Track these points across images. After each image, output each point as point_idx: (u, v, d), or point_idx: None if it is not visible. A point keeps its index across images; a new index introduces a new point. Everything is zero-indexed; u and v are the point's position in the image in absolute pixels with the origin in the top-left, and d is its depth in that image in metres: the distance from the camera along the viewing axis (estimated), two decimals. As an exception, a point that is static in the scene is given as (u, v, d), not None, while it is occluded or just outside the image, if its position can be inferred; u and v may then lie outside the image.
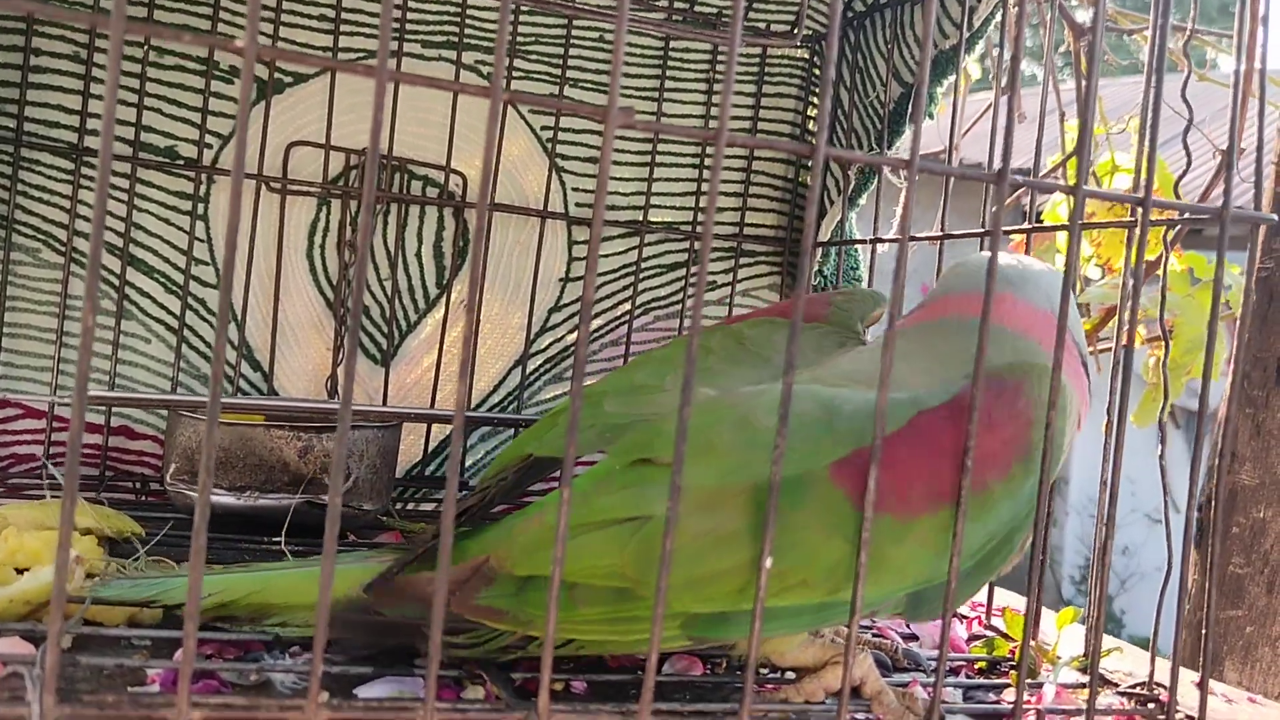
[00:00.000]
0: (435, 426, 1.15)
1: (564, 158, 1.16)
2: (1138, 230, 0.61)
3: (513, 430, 1.15)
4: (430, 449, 1.14)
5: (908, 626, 0.83)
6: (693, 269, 1.18)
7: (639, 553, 0.54)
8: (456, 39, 1.11)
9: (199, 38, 0.42)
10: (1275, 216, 0.63)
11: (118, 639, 0.64)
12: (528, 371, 1.16)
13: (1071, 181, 0.59)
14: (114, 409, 1.05)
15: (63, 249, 1.03)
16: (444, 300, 1.14)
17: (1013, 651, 0.78)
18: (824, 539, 0.53)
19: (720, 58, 1.16)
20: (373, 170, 0.46)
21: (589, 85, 1.15)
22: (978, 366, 0.51)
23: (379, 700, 0.56)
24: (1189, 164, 0.71)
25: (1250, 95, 0.76)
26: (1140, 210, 0.59)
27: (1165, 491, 0.68)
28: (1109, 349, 1.26)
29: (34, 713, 0.46)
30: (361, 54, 1.09)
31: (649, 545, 0.53)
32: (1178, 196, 0.76)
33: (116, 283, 1.05)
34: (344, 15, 1.08)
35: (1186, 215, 0.67)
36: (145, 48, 1.03)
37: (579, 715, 0.53)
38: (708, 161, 1.18)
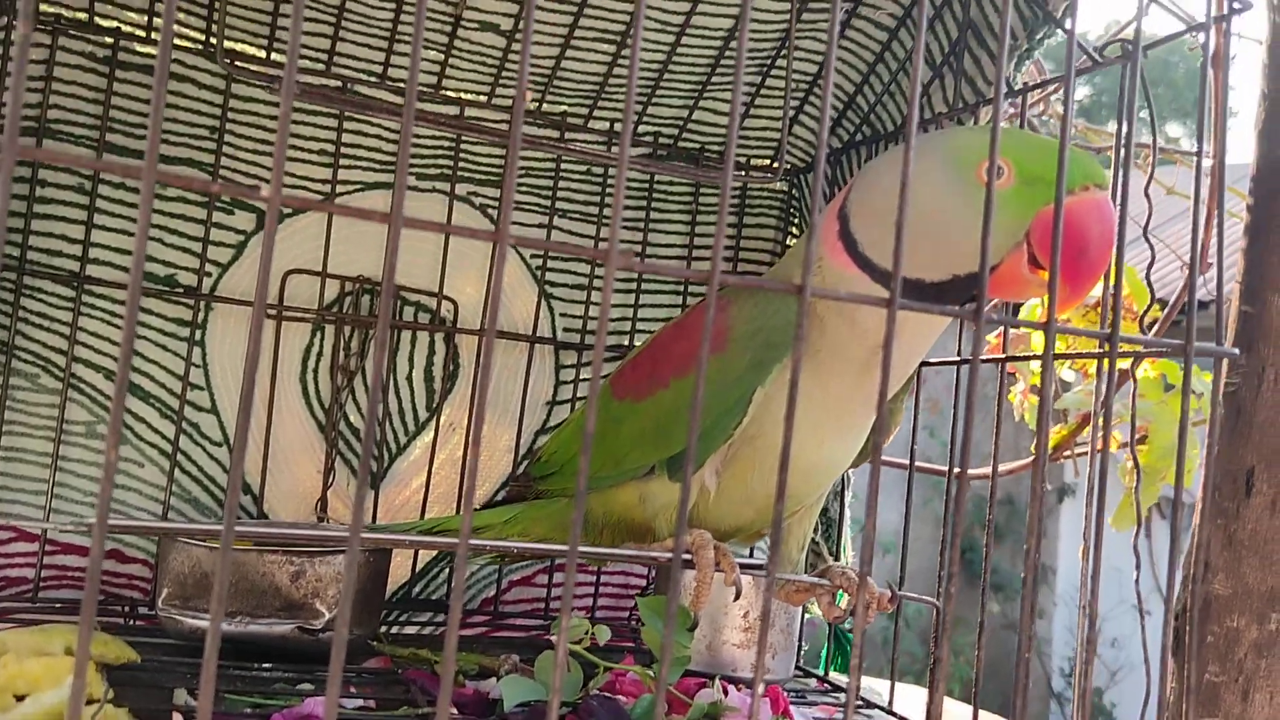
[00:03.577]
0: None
1: (552, 284, 1.20)
2: (1107, 364, 0.64)
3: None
4: (418, 569, 1.15)
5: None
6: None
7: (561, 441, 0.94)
8: (450, 171, 1.15)
9: (227, 187, 0.44)
10: (1237, 350, 0.66)
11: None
12: (515, 493, 1.18)
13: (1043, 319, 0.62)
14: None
15: (61, 375, 1.04)
16: (433, 423, 1.16)
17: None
18: (611, 426, 0.83)
19: (703, 192, 1.21)
20: (387, 307, 0.49)
21: (577, 216, 1.20)
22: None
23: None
24: (1153, 258, 0.76)
25: (1213, 213, 0.81)
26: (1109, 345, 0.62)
27: (1140, 600, 0.70)
28: (1085, 453, 1.29)
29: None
30: (359, 185, 1.13)
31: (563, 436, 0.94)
32: (1150, 289, 0.82)
33: (113, 408, 1.06)
34: (343, 149, 1.12)
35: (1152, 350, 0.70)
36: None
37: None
38: (691, 289, 1.22)
